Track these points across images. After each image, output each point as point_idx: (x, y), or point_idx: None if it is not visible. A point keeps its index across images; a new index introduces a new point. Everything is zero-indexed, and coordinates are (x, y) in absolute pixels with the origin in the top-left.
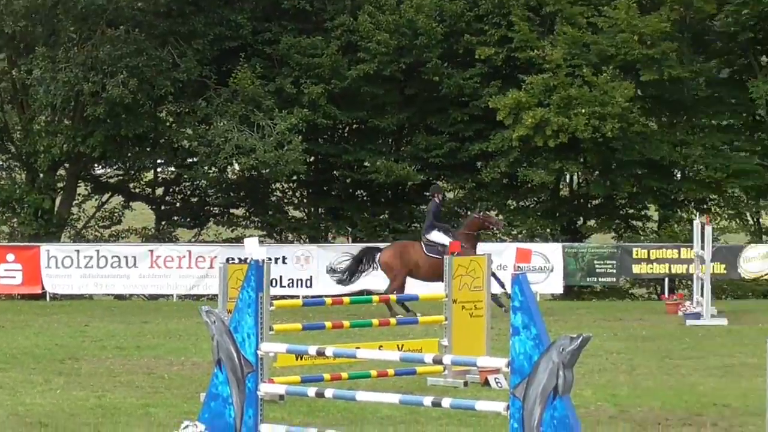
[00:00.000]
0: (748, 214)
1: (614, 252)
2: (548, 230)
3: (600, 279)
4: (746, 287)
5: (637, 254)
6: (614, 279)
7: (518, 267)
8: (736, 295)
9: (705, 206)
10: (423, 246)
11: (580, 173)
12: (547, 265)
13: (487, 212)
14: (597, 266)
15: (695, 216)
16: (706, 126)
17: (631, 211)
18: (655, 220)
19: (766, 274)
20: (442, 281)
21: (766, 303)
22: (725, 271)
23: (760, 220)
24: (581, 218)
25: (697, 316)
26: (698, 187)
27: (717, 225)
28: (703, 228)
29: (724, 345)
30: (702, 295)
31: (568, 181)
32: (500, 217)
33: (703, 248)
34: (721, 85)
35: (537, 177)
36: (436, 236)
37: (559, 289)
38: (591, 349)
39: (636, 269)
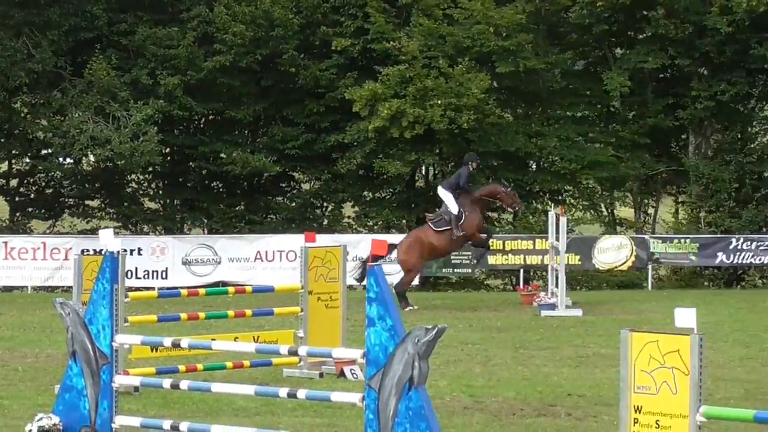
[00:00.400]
0: (602, 205)
1: None
2: (404, 221)
3: (456, 270)
4: (600, 278)
5: (492, 245)
6: (470, 270)
7: (374, 258)
8: (590, 286)
9: (560, 197)
10: (430, 225)
11: (435, 164)
12: None
13: (514, 192)
14: (453, 257)
15: (550, 207)
16: (561, 117)
17: None
18: (511, 211)
19: (620, 265)
20: (458, 247)
21: (619, 293)
22: (580, 262)
23: (615, 211)
24: (436, 209)
25: (552, 306)
26: (553, 179)
27: (572, 216)
28: (557, 219)
29: (578, 335)
30: (557, 286)
31: (423, 172)
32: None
33: (557, 239)
34: (576, 76)
35: (393, 168)
36: (446, 197)
37: (415, 281)
38: (446, 340)
39: (491, 260)
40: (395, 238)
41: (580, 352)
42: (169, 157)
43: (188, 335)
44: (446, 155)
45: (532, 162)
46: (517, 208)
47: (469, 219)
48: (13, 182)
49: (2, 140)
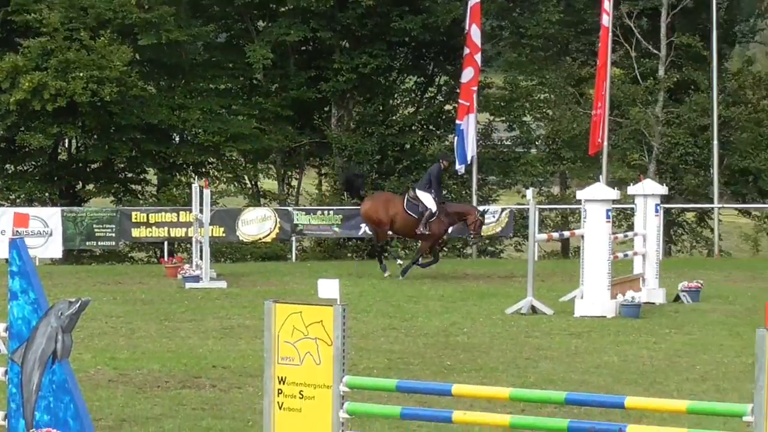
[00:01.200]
0: (246, 177)
1: (113, 216)
2: (47, 194)
3: (99, 243)
4: (245, 250)
5: (136, 218)
6: (114, 243)
7: (16, 232)
8: (234, 258)
9: (204, 170)
10: (405, 201)
11: (78, 137)
12: (45, 229)
13: (482, 219)
14: (96, 230)
15: (194, 179)
16: (204, 90)
17: (130, 175)
18: (155, 183)
19: (264, 237)
20: (413, 238)
21: (264, 265)
22: (224, 234)
23: (258, 183)
24: (80, 182)
25: (196, 279)
26: (197, 151)
27: (216, 188)
28: (201, 191)
29: (222, 307)
30: (201, 258)
31: (66, 145)
32: None
33: (201, 212)
34: (218, 49)
35: (35, 141)
36: (425, 198)
37: (58, 254)
38: (90, 313)
39: (135, 233)
40: (37, 211)
41: (224, 324)
42: None
43: None
44: (89, 128)
45: (175, 134)
46: (473, 234)
47: (438, 224)
48: None
49: None
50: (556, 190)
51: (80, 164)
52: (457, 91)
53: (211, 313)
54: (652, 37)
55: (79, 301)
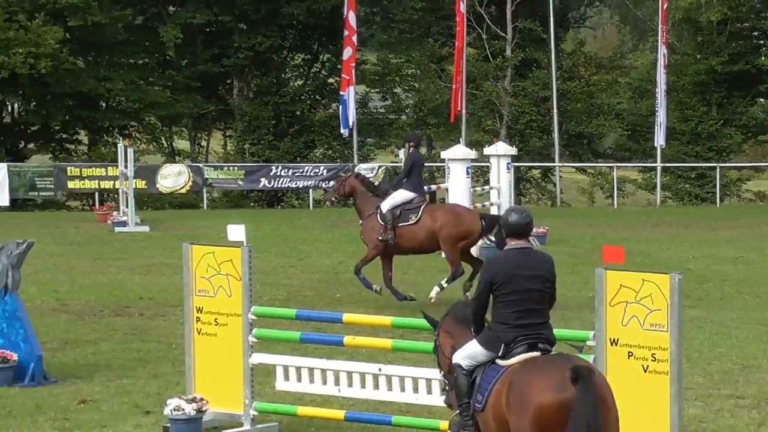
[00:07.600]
0: (162, 138)
1: (51, 170)
2: None
3: (40, 193)
4: (164, 200)
5: (71, 172)
6: (52, 193)
7: None
8: (155, 206)
9: (127, 132)
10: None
11: (19, 104)
12: None
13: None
14: (38, 182)
15: (119, 140)
16: (125, 64)
17: (65, 136)
18: (86, 143)
19: (179, 189)
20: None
21: (180, 213)
22: (145, 186)
23: (173, 143)
24: (22, 142)
25: (124, 224)
26: (120, 116)
27: (138, 147)
28: (126, 150)
29: (146, 248)
30: (127, 206)
31: (9, 110)
32: None
33: (126, 167)
34: (136, 29)
35: None
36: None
37: (5, 203)
38: (34, 253)
39: (71, 185)
40: None
41: (148, 262)
42: None
43: None
44: (28, 96)
45: (102, 102)
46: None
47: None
48: None
49: None
50: (423, 150)
51: (22, 127)
52: (339, 66)
53: (136, 253)
54: (499, 22)
55: (26, 243)
